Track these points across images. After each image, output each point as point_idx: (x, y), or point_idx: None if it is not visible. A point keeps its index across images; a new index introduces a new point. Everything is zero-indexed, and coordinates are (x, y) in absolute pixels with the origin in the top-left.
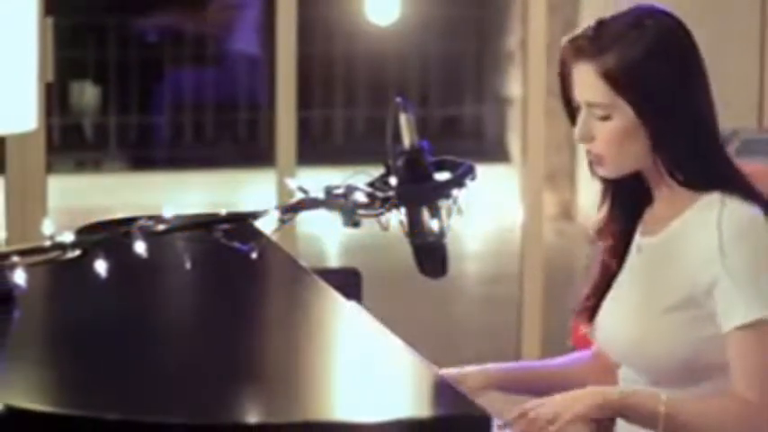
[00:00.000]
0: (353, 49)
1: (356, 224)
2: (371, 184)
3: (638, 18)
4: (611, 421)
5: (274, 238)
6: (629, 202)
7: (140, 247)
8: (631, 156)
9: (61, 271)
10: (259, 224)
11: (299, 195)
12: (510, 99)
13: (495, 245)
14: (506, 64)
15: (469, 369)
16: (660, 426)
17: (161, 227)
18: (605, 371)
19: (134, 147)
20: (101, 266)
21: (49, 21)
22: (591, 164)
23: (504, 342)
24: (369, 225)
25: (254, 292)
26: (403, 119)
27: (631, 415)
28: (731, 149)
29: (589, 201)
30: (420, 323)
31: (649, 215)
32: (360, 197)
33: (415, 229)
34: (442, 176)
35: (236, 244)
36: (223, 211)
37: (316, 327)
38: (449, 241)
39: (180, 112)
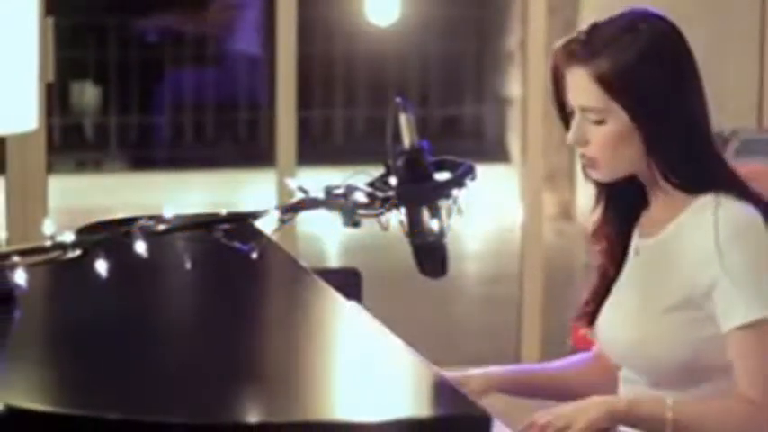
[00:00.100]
0: (353, 50)
1: (356, 224)
2: (371, 184)
3: (631, 22)
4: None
5: (274, 238)
6: (623, 204)
7: (141, 247)
8: (625, 160)
9: (62, 271)
10: (259, 224)
11: (299, 195)
12: (510, 99)
13: (494, 245)
14: (506, 64)
15: (472, 372)
16: (668, 431)
17: (161, 227)
18: (606, 372)
19: (134, 147)
20: (101, 266)
21: (50, 21)
22: (584, 167)
23: (503, 342)
24: (369, 225)
25: (254, 292)
26: (403, 119)
27: (639, 423)
28: (731, 149)
29: (589, 201)
30: (420, 323)
31: (646, 218)
32: (360, 197)
33: (415, 229)
34: (442, 176)
35: (237, 244)
36: (223, 212)
37: (316, 327)
38: (449, 241)
39: (180, 113)
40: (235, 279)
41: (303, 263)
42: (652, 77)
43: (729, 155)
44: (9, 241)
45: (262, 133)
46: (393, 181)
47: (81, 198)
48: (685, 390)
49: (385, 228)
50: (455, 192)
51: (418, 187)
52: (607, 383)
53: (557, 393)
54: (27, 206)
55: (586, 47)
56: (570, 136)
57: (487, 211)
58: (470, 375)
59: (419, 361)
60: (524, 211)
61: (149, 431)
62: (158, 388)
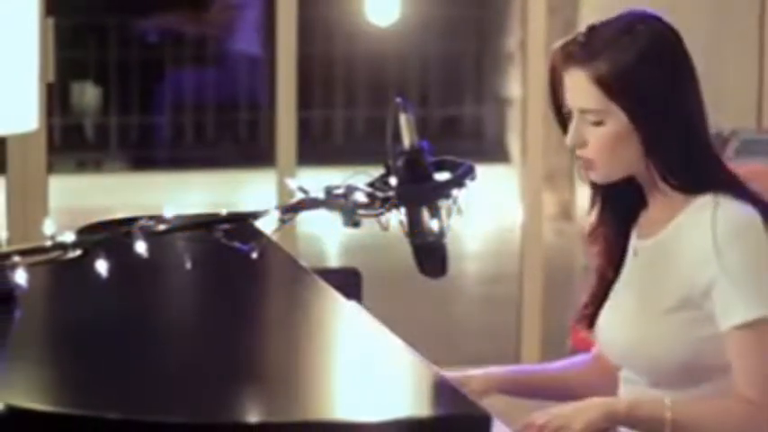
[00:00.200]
0: (353, 50)
1: (356, 224)
2: (371, 185)
3: (629, 24)
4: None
5: (274, 238)
6: (620, 206)
7: (141, 247)
8: (624, 161)
9: (62, 271)
10: (259, 224)
11: (300, 195)
12: (510, 99)
13: (494, 245)
14: (506, 64)
15: (472, 372)
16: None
17: (162, 227)
18: (606, 373)
19: (135, 147)
20: (101, 266)
21: (50, 21)
22: (582, 168)
23: (503, 342)
24: (369, 225)
25: (254, 291)
26: (403, 119)
27: (638, 424)
28: (730, 150)
29: (588, 201)
30: (420, 323)
31: (644, 218)
32: (360, 197)
33: (415, 229)
34: (441, 176)
35: (237, 244)
36: (223, 212)
37: (316, 327)
38: (449, 241)
39: (180, 113)
40: (235, 279)
41: (303, 263)
42: (651, 78)
43: (729, 155)
44: (9, 241)
45: (262, 133)
46: (393, 181)
47: (81, 198)
48: (685, 390)
49: (385, 228)
50: (455, 192)
51: (418, 187)
52: (607, 384)
53: (557, 394)
54: (27, 206)
55: (585, 48)
56: (569, 138)
57: (487, 211)
58: (471, 376)
59: (419, 361)
60: (524, 211)
61: (149, 431)
62: (158, 388)
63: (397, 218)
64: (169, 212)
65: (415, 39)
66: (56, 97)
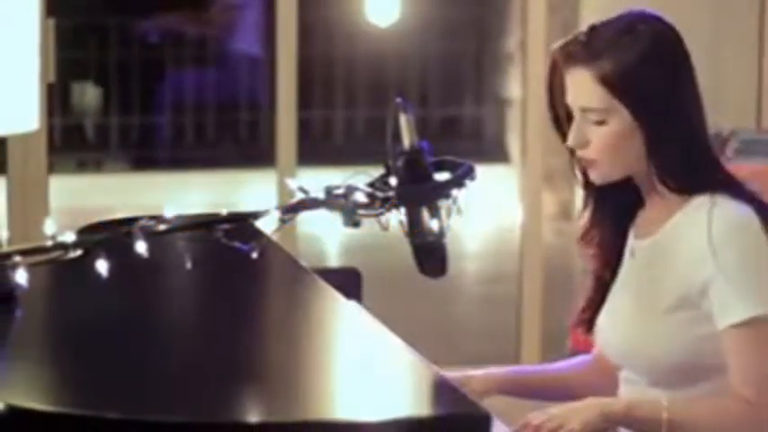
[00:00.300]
0: (354, 50)
1: (356, 224)
2: (371, 185)
3: (630, 24)
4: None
5: (275, 238)
6: (615, 207)
7: (141, 247)
8: (626, 161)
9: (63, 271)
10: (260, 224)
11: (300, 195)
12: (509, 100)
13: (494, 245)
14: (506, 65)
15: (472, 372)
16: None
17: (162, 227)
18: (606, 374)
19: (135, 147)
20: (102, 266)
21: (51, 22)
22: (578, 168)
23: (503, 342)
24: (369, 225)
25: (254, 291)
26: (403, 119)
27: (635, 424)
28: (730, 150)
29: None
30: (420, 323)
31: (642, 218)
32: (360, 197)
33: (414, 229)
34: (441, 177)
35: (237, 244)
36: (224, 212)
37: (316, 327)
38: (448, 241)
39: (181, 113)
40: (235, 279)
41: (303, 263)
42: (653, 79)
43: (728, 155)
44: (10, 241)
45: (262, 133)
46: (393, 181)
47: (82, 198)
48: (685, 389)
49: (385, 228)
50: (455, 192)
51: (418, 187)
52: (607, 385)
53: (557, 395)
54: (28, 206)
55: (588, 48)
56: (570, 138)
57: (487, 211)
58: (471, 376)
59: (419, 361)
60: (524, 211)
61: (150, 430)
62: (159, 387)
63: (397, 218)
64: (169, 212)
65: (415, 39)
66: (56, 97)
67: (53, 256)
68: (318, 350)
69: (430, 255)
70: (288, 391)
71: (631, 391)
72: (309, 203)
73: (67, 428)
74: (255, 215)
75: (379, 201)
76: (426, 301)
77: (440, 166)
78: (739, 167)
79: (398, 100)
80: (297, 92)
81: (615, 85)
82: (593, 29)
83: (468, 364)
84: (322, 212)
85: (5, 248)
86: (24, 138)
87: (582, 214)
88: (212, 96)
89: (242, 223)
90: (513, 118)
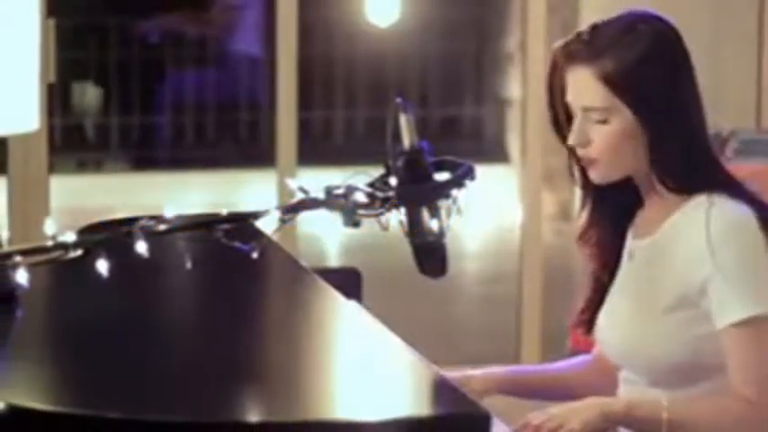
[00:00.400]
0: (354, 50)
1: (356, 224)
2: (371, 185)
3: (631, 23)
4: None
5: (275, 237)
6: (613, 207)
7: (142, 247)
8: (627, 160)
9: (63, 271)
10: (260, 224)
11: (300, 195)
12: (509, 100)
13: (494, 245)
14: (506, 65)
15: (472, 372)
16: (663, 431)
17: (162, 227)
18: (606, 374)
19: (135, 147)
20: (102, 266)
21: (51, 22)
22: (577, 168)
23: (503, 342)
24: (369, 225)
25: (254, 291)
26: (403, 119)
27: (635, 424)
28: (729, 150)
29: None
30: (420, 323)
31: (641, 218)
32: (360, 197)
33: (414, 229)
34: (441, 177)
35: (237, 244)
36: (224, 212)
37: (316, 327)
38: (448, 241)
39: (181, 113)
40: (235, 279)
41: (303, 263)
42: (654, 78)
43: (728, 155)
44: (11, 241)
45: (262, 134)
46: (393, 181)
47: (82, 198)
48: (685, 389)
49: (385, 228)
50: (455, 192)
51: (418, 187)
52: (607, 385)
53: (557, 394)
54: (28, 206)
55: (589, 47)
56: (572, 137)
57: (487, 211)
58: (471, 376)
59: (419, 361)
60: (523, 211)
61: (150, 430)
62: (159, 387)
63: (397, 218)
64: (170, 212)
65: (415, 39)
66: (57, 97)
67: (53, 256)
68: (318, 350)
69: (430, 255)
70: (288, 391)
71: (631, 391)
72: (309, 203)
73: (68, 428)
74: (255, 215)
75: (379, 201)
76: (426, 301)
77: (440, 166)
78: (739, 167)
79: (398, 100)
80: (297, 92)
81: (617, 83)
82: (594, 28)
83: (468, 364)
84: (322, 212)
85: (6, 248)
86: (25, 138)
87: (580, 214)
88: (212, 96)
89: (242, 223)
90: (512, 118)
